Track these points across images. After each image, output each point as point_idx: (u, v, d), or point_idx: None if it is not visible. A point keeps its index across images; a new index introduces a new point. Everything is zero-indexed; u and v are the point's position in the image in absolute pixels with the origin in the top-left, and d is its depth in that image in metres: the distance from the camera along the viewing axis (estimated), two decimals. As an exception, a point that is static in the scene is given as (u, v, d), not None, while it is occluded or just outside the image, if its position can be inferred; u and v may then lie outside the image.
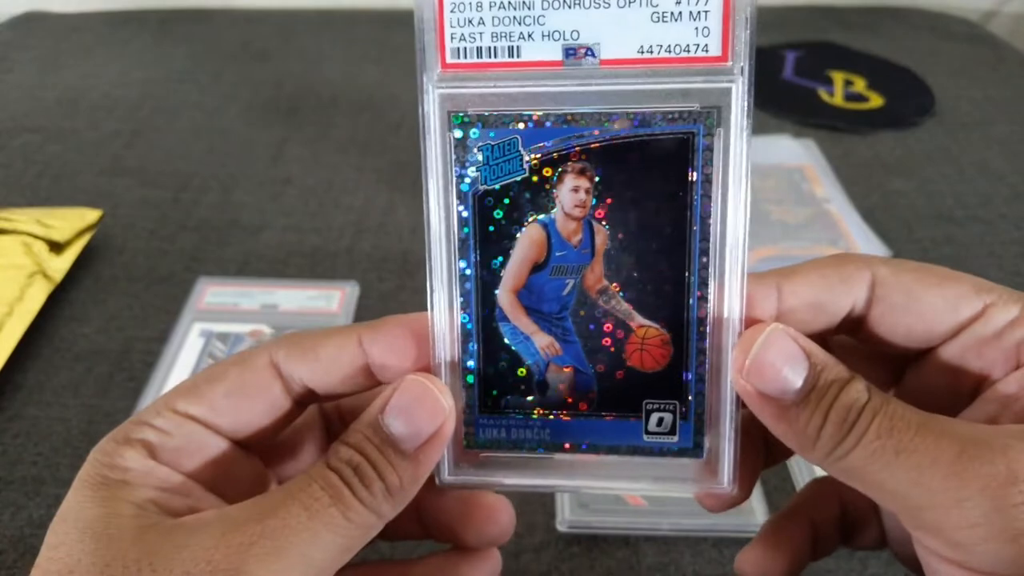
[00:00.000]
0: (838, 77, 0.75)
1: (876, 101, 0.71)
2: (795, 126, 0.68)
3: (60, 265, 0.50)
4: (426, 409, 0.20)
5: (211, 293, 0.49)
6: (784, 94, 0.73)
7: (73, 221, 0.52)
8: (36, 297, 0.47)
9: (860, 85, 0.74)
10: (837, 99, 0.72)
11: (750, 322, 0.21)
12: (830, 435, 0.19)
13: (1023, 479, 0.17)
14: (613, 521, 0.36)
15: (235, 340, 0.46)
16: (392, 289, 0.51)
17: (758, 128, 0.68)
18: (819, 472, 0.29)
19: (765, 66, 0.77)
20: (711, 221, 0.20)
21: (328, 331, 0.22)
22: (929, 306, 0.21)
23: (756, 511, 0.37)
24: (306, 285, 0.50)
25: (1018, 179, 0.62)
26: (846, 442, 0.19)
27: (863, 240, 0.51)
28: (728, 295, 0.21)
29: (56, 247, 0.51)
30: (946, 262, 0.57)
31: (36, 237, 0.50)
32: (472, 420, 0.22)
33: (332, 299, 0.49)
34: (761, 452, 0.24)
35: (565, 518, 0.36)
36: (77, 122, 0.69)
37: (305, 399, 0.23)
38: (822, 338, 0.23)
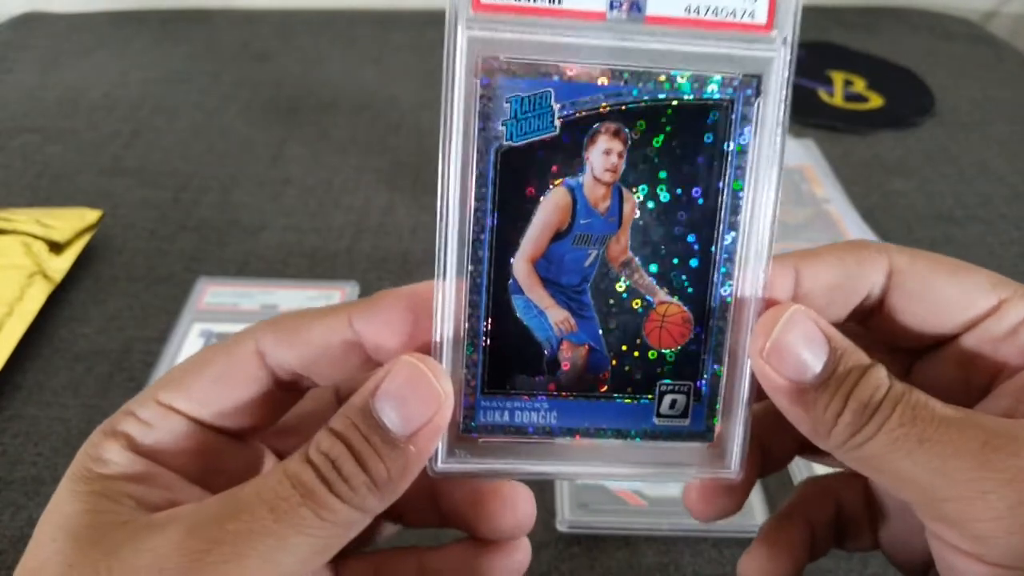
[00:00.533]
0: (838, 77, 0.75)
1: (876, 101, 0.71)
2: (795, 126, 0.68)
3: (60, 265, 0.50)
4: (420, 395, 0.18)
5: (211, 293, 0.49)
6: (784, 94, 0.73)
7: (73, 221, 0.52)
8: (36, 297, 0.47)
9: (860, 85, 0.74)
10: (837, 99, 0.72)
11: (769, 303, 0.20)
12: (848, 423, 0.19)
13: None
14: (613, 521, 0.36)
15: (235, 340, 0.46)
16: (392, 289, 0.51)
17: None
18: (818, 470, 0.29)
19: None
20: (742, 195, 0.19)
21: (317, 311, 0.20)
22: (944, 296, 0.21)
23: (756, 512, 0.37)
24: (306, 285, 0.50)
25: (1018, 179, 0.62)
26: (866, 430, 0.18)
27: (863, 240, 0.51)
28: (752, 274, 0.20)
29: (56, 247, 0.51)
30: (946, 262, 0.57)
31: (36, 237, 0.50)
32: (473, 402, 0.20)
33: (332, 299, 0.49)
34: (758, 460, 0.24)
35: (565, 518, 0.36)
36: (77, 122, 0.69)
37: (297, 385, 0.21)
38: (835, 325, 0.23)
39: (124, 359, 0.46)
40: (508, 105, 0.19)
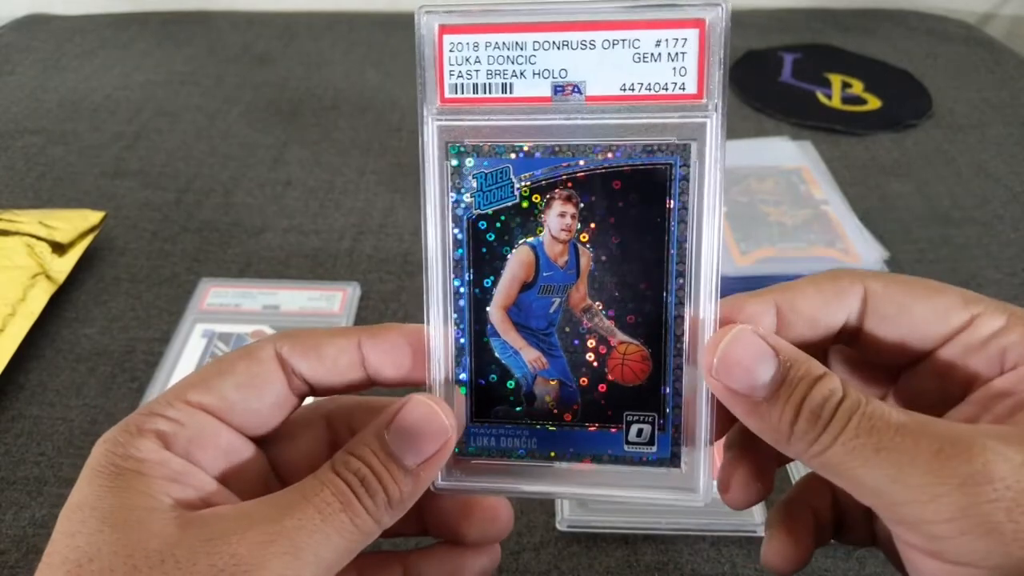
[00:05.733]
0: (836, 79, 0.75)
1: (874, 103, 0.72)
2: (793, 128, 0.68)
3: (63, 266, 0.50)
4: (430, 430, 0.21)
5: (213, 294, 0.50)
6: (782, 96, 0.73)
7: (76, 222, 0.53)
8: (39, 298, 0.48)
9: (858, 87, 0.74)
10: (835, 101, 0.72)
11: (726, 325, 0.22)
12: (803, 431, 0.20)
13: (997, 477, 0.18)
14: (612, 520, 0.37)
15: (237, 341, 0.47)
16: (393, 290, 0.51)
17: (756, 130, 0.68)
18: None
19: (763, 68, 0.78)
20: (687, 245, 0.21)
21: (330, 331, 0.23)
22: (920, 317, 0.22)
23: (754, 511, 0.37)
24: (307, 286, 0.50)
25: (1015, 181, 0.62)
26: (823, 438, 0.19)
27: (860, 242, 0.52)
28: (702, 314, 0.22)
29: (59, 248, 0.51)
30: (943, 264, 0.57)
31: (39, 238, 0.50)
32: (464, 428, 0.23)
33: (333, 300, 0.49)
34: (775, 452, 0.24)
35: (565, 517, 0.37)
36: (79, 124, 0.69)
37: (303, 393, 0.23)
38: (821, 349, 0.24)
39: (127, 359, 0.46)
40: (474, 180, 0.22)
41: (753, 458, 0.23)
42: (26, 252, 0.49)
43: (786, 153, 0.61)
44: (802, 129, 0.68)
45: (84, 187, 0.61)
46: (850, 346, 0.24)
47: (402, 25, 0.87)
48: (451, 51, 0.21)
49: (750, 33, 0.84)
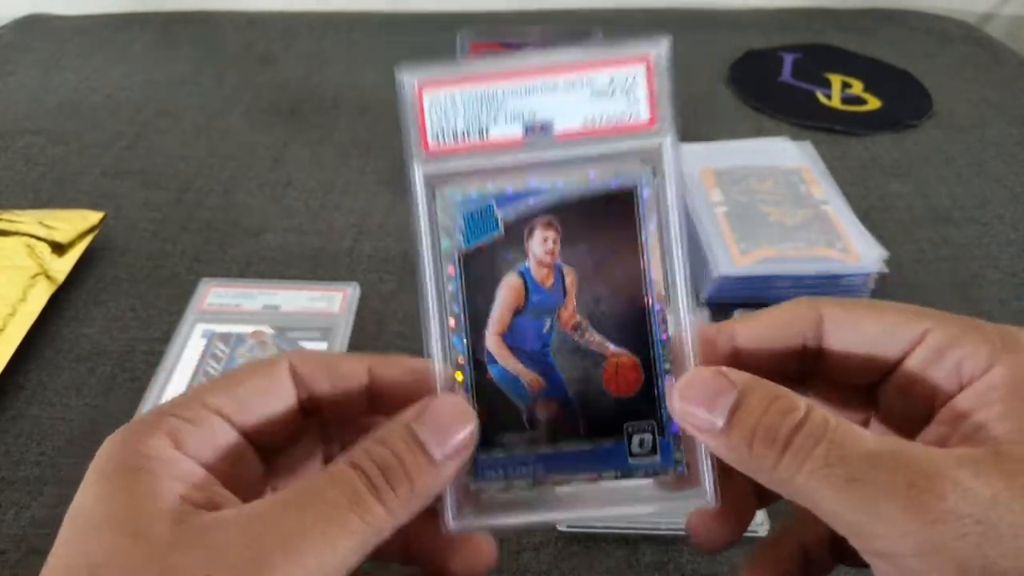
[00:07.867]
0: (836, 79, 0.75)
1: (873, 103, 0.72)
2: (793, 128, 0.68)
3: (62, 266, 0.50)
4: (457, 420, 0.22)
5: (213, 294, 0.50)
6: (782, 96, 0.73)
7: (76, 222, 0.53)
8: (39, 298, 0.48)
9: (858, 87, 0.74)
10: (835, 101, 0.72)
11: (703, 342, 0.23)
12: (762, 454, 0.20)
13: (966, 513, 0.18)
14: (612, 520, 0.37)
15: (237, 341, 0.47)
16: (393, 290, 0.51)
17: (756, 130, 0.68)
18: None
19: (763, 68, 0.78)
20: (660, 254, 0.23)
21: (342, 354, 0.24)
22: (872, 336, 0.23)
23: (755, 515, 0.37)
24: (307, 286, 0.50)
25: (1015, 181, 0.62)
26: (786, 462, 0.19)
27: (860, 242, 0.52)
28: (681, 314, 0.23)
29: (58, 248, 0.51)
30: (943, 264, 0.57)
31: (39, 238, 0.51)
32: (472, 461, 0.24)
33: (333, 300, 0.49)
34: (752, 493, 0.25)
35: (564, 517, 0.37)
36: (79, 124, 0.69)
37: (310, 410, 0.24)
38: (785, 373, 0.25)
39: (127, 359, 0.46)
40: (461, 218, 0.24)
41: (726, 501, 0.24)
42: (26, 252, 0.49)
43: (786, 153, 0.61)
44: (802, 129, 0.68)
45: (84, 187, 0.61)
46: (817, 369, 0.24)
47: (402, 26, 0.87)
48: (431, 106, 0.23)
49: (750, 33, 0.84)
